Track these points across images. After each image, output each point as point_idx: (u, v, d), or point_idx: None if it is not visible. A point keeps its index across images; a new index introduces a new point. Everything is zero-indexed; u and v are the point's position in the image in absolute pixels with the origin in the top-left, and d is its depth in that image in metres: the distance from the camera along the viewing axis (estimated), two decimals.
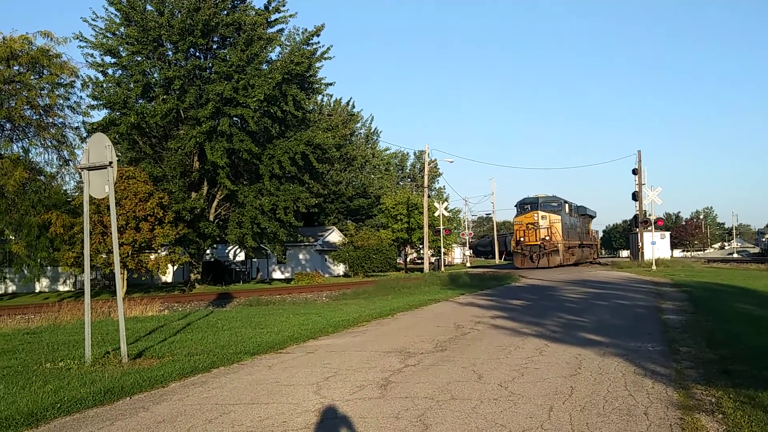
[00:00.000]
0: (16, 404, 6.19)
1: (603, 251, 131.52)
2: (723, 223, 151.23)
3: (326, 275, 49.27)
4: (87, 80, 32.88)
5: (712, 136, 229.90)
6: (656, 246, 39.27)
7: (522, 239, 41.91)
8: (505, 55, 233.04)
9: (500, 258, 78.50)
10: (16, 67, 30.72)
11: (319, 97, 54.57)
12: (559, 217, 41.32)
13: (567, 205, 44.22)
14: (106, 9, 33.09)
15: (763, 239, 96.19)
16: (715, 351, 8.28)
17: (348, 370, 7.68)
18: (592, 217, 56.57)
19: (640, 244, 43.83)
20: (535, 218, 41.25)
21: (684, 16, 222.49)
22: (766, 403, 5.54)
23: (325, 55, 36.14)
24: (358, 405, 5.97)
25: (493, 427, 5.14)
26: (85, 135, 32.73)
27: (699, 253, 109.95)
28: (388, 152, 72.22)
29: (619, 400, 5.90)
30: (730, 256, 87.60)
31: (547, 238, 40.43)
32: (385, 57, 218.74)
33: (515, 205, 45.72)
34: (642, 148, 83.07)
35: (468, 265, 72.85)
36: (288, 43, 37.29)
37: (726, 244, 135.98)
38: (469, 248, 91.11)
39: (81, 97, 37.20)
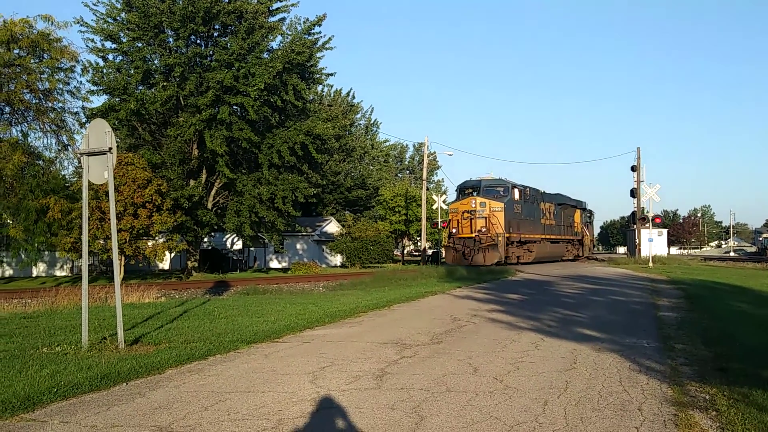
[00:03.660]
0: (12, 388, 6.19)
1: (600, 247, 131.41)
2: (720, 222, 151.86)
3: (323, 266, 49.34)
4: (87, 65, 32.83)
5: (711, 134, 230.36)
6: (653, 243, 39.27)
7: (454, 230, 34.75)
8: (509, 51, 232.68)
9: None
10: (16, 51, 30.64)
11: (320, 88, 54.55)
12: (502, 205, 33.90)
13: (517, 190, 36.38)
14: None
15: (760, 238, 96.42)
16: (710, 348, 8.30)
17: (344, 361, 7.69)
18: (577, 208, 48.12)
19: (637, 240, 43.91)
20: (473, 205, 33.86)
21: (684, 16, 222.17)
22: (759, 401, 5.56)
23: (327, 45, 36.11)
24: (354, 395, 5.99)
25: (488, 419, 5.16)
26: (84, 120, 32.75)
27: (696, 251, 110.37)
28: (387, 144, 72.31)
29: (614, 396, 5.92)
30: (727, 254, 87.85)
31: (484, 229, 33.09)
32: (386, 48, 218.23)
33: (456, 189, 37.68)
34: (641, 145, 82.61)
35: None
36: (289, 33, 37.21)
37: (723, 242, 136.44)
38: None
39: (81, 82, 36.94)
